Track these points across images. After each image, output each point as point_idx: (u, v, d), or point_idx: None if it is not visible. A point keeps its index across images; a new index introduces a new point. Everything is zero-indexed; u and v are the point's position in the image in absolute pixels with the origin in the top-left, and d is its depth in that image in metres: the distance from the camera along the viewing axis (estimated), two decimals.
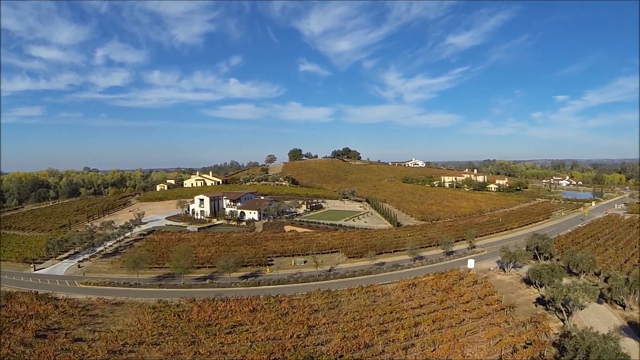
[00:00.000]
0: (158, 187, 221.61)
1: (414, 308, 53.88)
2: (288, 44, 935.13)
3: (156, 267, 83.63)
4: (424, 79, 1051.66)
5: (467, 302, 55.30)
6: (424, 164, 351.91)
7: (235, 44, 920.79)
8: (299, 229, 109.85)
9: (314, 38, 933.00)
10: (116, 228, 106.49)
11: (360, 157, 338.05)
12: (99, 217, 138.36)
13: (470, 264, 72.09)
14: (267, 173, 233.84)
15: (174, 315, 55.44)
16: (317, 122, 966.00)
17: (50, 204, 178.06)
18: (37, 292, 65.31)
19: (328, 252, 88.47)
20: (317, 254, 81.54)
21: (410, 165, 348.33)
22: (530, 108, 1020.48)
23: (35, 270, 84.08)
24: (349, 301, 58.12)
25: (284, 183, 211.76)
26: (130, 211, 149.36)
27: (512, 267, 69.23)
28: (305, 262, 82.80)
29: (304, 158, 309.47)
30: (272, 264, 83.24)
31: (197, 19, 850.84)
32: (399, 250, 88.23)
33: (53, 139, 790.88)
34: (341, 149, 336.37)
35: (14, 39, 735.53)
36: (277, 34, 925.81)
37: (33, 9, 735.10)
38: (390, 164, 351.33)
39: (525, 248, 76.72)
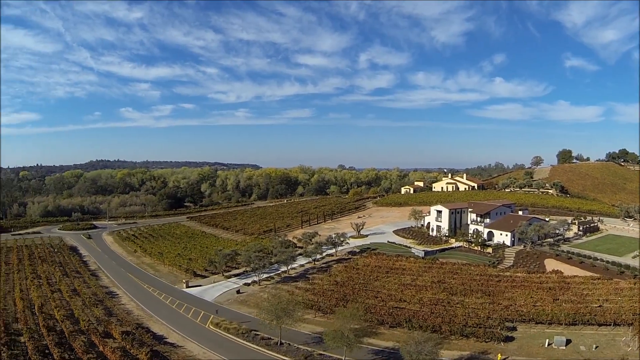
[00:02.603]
0: (403, 190, 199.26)
1: None
2: (551, 38, 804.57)
3: (330, 314, 58.43)
4: None
5: None
6: None
7: (496, 42, 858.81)
8: (566, 267, 76.77)
9: (576, 30, 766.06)
10: (312, 244, 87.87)
11: (639, 161, 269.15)
12: (317, 223, 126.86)
13: None
14: (531, 178, 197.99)
15: None
16: (586, 121, 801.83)
17: (284, 201, 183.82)
18: (138, 325, 50.29)
19: (607, 325, 52.57)
20: (587, 324, 52.27)
21: None
22: None
23: (187, 287, 72.16)
24: None
25: (551, 191, 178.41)
26: (359, 217, 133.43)
27: None
28: (568, 342, 48.88)
29: (574, 161, 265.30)
30: (512, 340, 50.33)
31: (455, 18, 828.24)
32: None
33: (318, 139, 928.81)
34: (617, 151, 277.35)
35: (280, 50, 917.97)
36: (538, 29, 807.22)
37: (295, 23, 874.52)
38: None
39: None
